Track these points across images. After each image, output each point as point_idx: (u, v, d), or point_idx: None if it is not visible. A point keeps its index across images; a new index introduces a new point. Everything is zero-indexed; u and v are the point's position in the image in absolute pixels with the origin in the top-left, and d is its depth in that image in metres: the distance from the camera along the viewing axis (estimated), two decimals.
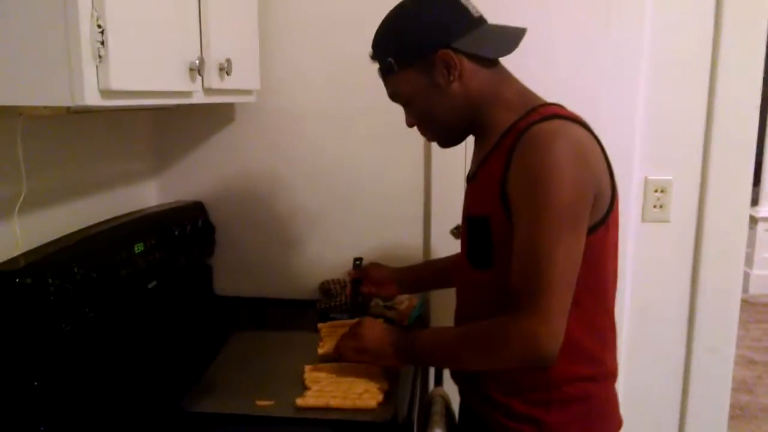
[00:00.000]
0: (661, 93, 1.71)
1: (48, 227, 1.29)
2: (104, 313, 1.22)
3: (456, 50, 1.03)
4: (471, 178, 1.16)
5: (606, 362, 1.11)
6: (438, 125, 1.13)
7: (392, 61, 1.07)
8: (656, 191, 1.75)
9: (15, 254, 1.14)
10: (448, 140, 1.16)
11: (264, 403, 1.19)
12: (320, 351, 1.36)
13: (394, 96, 1.13)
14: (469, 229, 1.12)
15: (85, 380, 1.20)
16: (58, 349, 1.12)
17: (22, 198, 1.17)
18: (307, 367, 1.29)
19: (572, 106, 1.07)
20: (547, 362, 0.97)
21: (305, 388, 1.23)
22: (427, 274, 1.49)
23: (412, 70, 1.07)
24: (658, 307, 1.80)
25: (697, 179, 1.74)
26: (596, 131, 1.03)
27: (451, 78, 1.05)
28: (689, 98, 1.71)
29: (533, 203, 0.96)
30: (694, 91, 1.70)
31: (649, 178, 1.75)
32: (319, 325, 1.48)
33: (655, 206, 1.76)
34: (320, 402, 1.16)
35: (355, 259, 1.52)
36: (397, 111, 1.16)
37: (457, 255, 1.37)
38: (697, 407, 1.83)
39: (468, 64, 1.05)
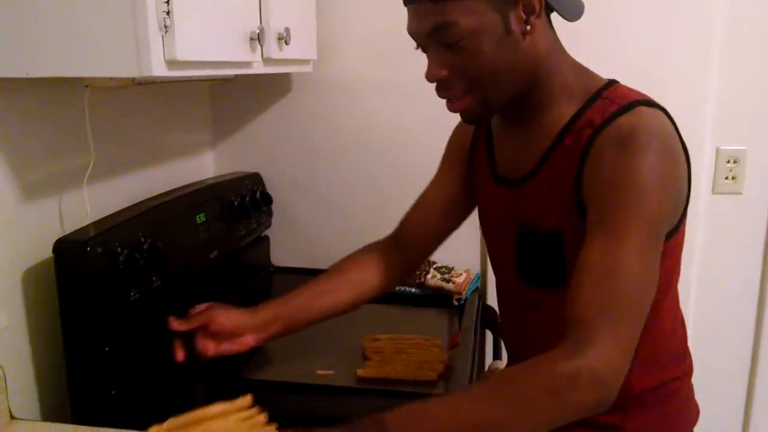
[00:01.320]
0: (735, 58, 1.61)
1: (114, 197, 1.32)
2: (169, 282, 1.24)
3: None
4: (519, 180, 0.95)
5: (684, 360, 1.03)
6: (485, 79, 0.87)
7: None
8: (728, 162, 1.67)
9: (85, 223, 1.17)
10: (486, 105, 0.90)
11: (324, 373, 1.20)
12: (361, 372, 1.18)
13: (437, 30, 0.84)
14: (524, 244, 0.95)
15: (151, 347, 1.24)
16: (126, 317, 1.15)
17: (90, 168, 1.20)
18: (367, 338, 1.29)
19: (639, 72, 0.99)
20: (610, 402, 0.74)
21: (365, 358, 1.23)
22: (293, 306, 1.10)
23: (485, 1, 0.83)
24: (727, 281, 1.74)
25: None
26: (665, 99, 0.91)
27: (527, 27, 0.85)
28: (765, 64, 1.61)
29: (616, 208, 0.80)
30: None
31: (721, 148, 1.67)
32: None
33: (726, 178, 1.68)
34: (380, 373, 1.17)
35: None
36: None
37: (335, 271, 1.17)
38: (766, 386, 1.76)
39: (543, 22, 0.87)
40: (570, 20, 0.90)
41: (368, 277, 1.14)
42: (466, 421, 0.74)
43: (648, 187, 0.80)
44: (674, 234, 0.89)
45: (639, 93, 0.90)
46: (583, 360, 0.72)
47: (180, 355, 1.01)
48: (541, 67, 0.89)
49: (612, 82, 0.92)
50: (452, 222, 1.17)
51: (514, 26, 0.85)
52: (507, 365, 1.17)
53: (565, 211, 0.87)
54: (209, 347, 1.03)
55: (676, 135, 0.87)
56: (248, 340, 1.04)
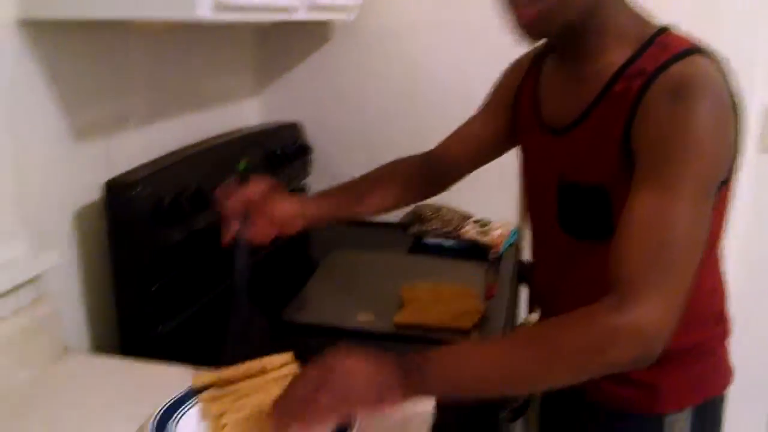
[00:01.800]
0: None
1: (160, 141, 1.35)
2: (211, 226, 1.27)
3: None
4: (564, 129, 0.93)
5: (723, 321, 1.01)
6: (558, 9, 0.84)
7: None
8: None
9: (132, 166, 1.20)
10: (546, 23, 0.85)
11: (365, 318, 1.22)
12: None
13: None
14: (568, 196, 0.93)
15: (195, 287, 1.28)
16: (172, 257, 1.19)
17: (137, 113, 1.22)
18: (405, 286, 1.31)
19: (689, 22, 0.94)
20: (652, 360, 0.74)
21: (402, 305, 1.25)
22: (352, 193, 1.17)
23: None
24: None
25: None
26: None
27: None
28: None
29: (666, 162, 0.78)
30: None
31: None
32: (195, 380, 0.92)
33: None
34: (417, 319, 1.18)
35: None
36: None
37: (384, 168, 1.21)
38: None
39: None
40: None
41: (399, 184, 1.20)
42: (503, 369, 0.75)
43: (702, 138, 0.77)
44: (722, 187, 0.86)
45: (692, 40, 0.86)
46: (626, 317, 0.72)
47: (227, 238, 1.03)
48: (600, 6, 0.86)
49: (665, 29, 0.89)
50: (487, 157, 1.20)
51: None
52: (540, 318, 1.17)
53: (611, 164, 0.85)
54: (261, 229, 1.04)
55: (729, 88, 0.83)
56: (297, 225, 1.08)
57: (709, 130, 0.78)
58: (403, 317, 1.19)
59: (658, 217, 0.76)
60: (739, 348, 1.05)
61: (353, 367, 0.75)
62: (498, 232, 1.65)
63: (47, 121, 1.07)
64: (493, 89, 1.18)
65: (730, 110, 0.82)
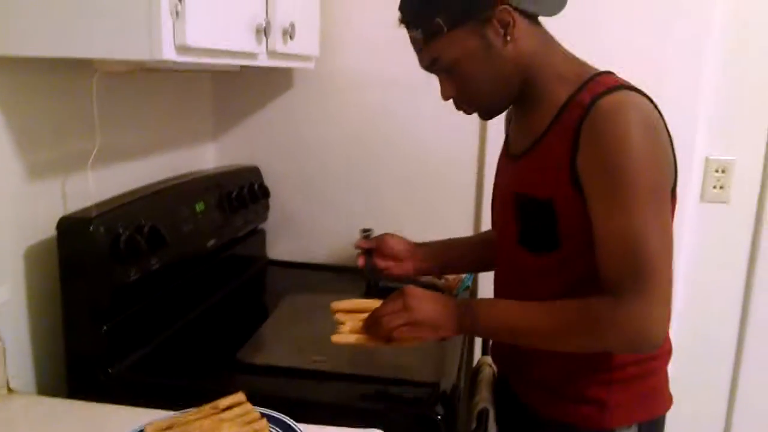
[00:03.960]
0: (728, 69, 1.66)
1: (117, 182, 1.34)
2: (168, 266, 1.27)
3: (513, 7, 0.94)
4: (521, 155, 1.05)
5: (668, 340, 1.07)
6: (482, 94, 1.01)
7: (441, 22, 0.94)
8: (717, 171, 1.71)
9: (88, 204, 1.19)
10: (491, 110, 1.05)
11: (319, 359, 1.22)
12: (336, 339, 1.07)
13: (433, 63, 1.00)
14: (522, 210, 1.03)
15: (148, 328, 1.26)
16: (126, 297, 1.17)
17: (95, 152, 1.22)
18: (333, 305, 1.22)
19: (633, 81, 1.02)
20: (654, 348, 0.92)
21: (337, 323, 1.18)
22: (453, 253, 1.33)
23: (463, 30, 0.95)
24: (711, 289, 1.77)
25: (761, 161, 1.69)
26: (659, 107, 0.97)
27: (507, 38, 0.95)
28: (757, 76, 1.66)
29: (617, 184, 0.89)
30: (763, 69, 1.65)
31: (711, 157, 1.71)
32: (333, 305, 1.13)
33: (714, 186, 1.72)
34: (354, 339, 1.12)
35: (363, 230, 1.39)
36: None
37: (485, 234, 1.35)
38: (747, 397, 1.80)
39: (522, 24, 0.96)
40: (550, 15, 1.00)
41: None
42: (529, 328, 0.97)
43: (634, 157, 0.88)
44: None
45: (628, 82, 0.97)
46: (618, 313, 0.89)
47: (361, 262, 1.28)
48: (531, 65, 0.99)
49: (607, 72, 1.00)
50: None
51: (494, 41, 0.96)
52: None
53: (558, 182, 0.95)
54: (380, 264, 1.27)
55: (659, 117, 0.94)
56: (408, 267, 1.28)
57: (641, 141, 0.89)
58: (340, 337, 1.15)
59: (624, 230, 0.89)
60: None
61: (426, 299, 1.01)
62: (453, 275, 1.67)
63: (1, 158, 1.06)
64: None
65: (660, 132, 0.93)
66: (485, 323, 1.00)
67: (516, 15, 0.95)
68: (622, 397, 1.02)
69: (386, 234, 1.30)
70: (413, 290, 1.01)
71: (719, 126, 1.69)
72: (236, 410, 0.94)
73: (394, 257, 1.27)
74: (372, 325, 1.02)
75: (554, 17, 1.00)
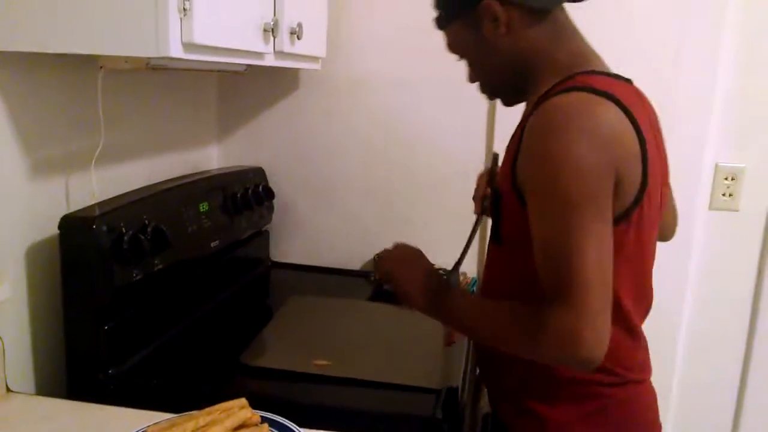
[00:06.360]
0: (740, 74, 1.64)
1: (120, 180, 1.33)
2: (171, 266, 1.25)
3: (503, 1, 0.94)
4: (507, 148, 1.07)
5: (626, 370, 0.98)
6: (493, 81, 1.04)
7: (443, 14, 1.01)
8: (726, 179, 1.69)
9: (91, 203, 1.18)
10: (507, 98, 1.07)
11: (321, 363, 1.21)
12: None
13: (450, 48, 1.05)
14: (491, 203, 1.03)
15: (150, 329, 1.25)
16: (128, 297, 1.16)
17: (99, 150, 1.21)
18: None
19: (643, 86, 1.00)
20: (589, 365, 0.83)
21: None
22: None
23: (460, 22, 0.99)
24: (720, 299, 1.75)
25: None
26: (668, 113, 0.93)
27: (499, 31, 0.95)
28: None
29: (547, 193, 0.85)
30: None
31: (720, 164, 1.69)
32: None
33: (724, 194, 1.70)
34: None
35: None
36: (461, 80, 1.11)
37: None
38: (755, 407, 1.77)
39: (518, 17, 0.95)
40: (544, 8, 0.96)
41: None
42: (477, 326, 0.96)
43: (565, 167, 0.83)
44: (619, 222, 0.88)
45: (604, 83, 0.90)
46: (549, 322, 0.83)
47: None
48: (530, 58, 0.97)
49: (599, 71, 0.94)
50: None
51: (489, 35, 0.97)
52: None
53: (505, 177, 0.95)
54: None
55: (614, 125, 0.85)
56: None
57: (574, 151, 0.82)
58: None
59: (555, 239, 0.84)
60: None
61: (408, 265, 1.05)
62: (463, 278, 1.66)
63: (4, 154, 1.05)
64: None
65: (602, 142, 0.84)
66: (447, 311, 1.00)
67: (510, 8, 0.94)
68: (562, 415, 0.97)
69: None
70: (414, 253, 1.07)
71: (730, 133, 1.67)
72: (240, 414, 0.92)
73: None
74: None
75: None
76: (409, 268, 1.04)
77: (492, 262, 1.07)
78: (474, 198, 1.26)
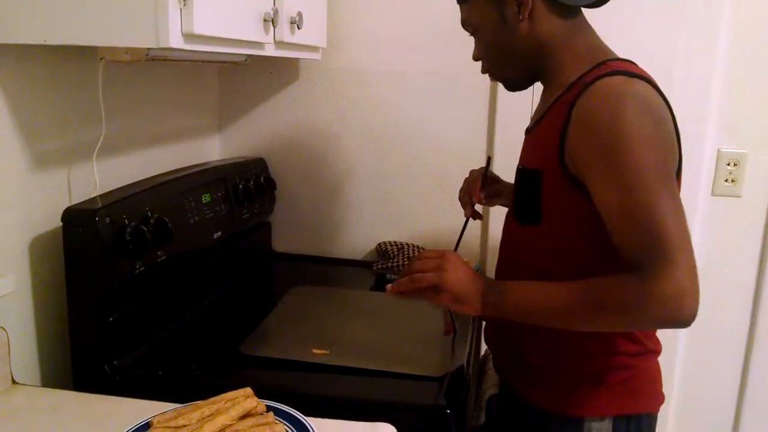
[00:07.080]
0: (741, 60, 1.64)
1: (121, 172, 1.33)
2: (174, 258, 1.26)
3: None
4: (529, 131, 1.12)
5: (648, 340, 1.05)
6: (501, 63, 1.08)
7: None
8: (729, 164, 1.69)
9: (93, 195, 1.18)
10: (511, 82, 1.11)
11: (320, 352, 1.21)
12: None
13: (464, 23, 1.08)
14: (520, 182, 1.07)
15: (154, 320, 1.25)
16: (131, 289, 1.16)
17: (101, 141, 1.21)
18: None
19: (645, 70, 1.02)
20: (691, 321, 0.86)
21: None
22: None
23: (486, 1, 1.03)
24: (722, 285, 1.75)
25: None
26: (669, 97, 0.96)
27: (521, 17, 1.00)
28: None
29: (613, 164, 0.88)
30: None
31: (722, 150, 1.69)
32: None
33: (726, 180, 1.70)
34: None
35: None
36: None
37: None
38: (758, 392, 1.78)
39: (542, 7, 1.00)
40: (573, 5, 1.02)
41: None
42: (560, 308, 0.92)
43: (633, 138, 0.87)
44: None
45: (640, 70, 0.97)
46: (649, 288, 0.84)
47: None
48: (546, 46, 1.02)
49: (624, 59, 1.00)
50: None
51: (510, 18, 1.01)
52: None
53: (548, 155, 0.97)
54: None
55: (661, 104, 0.93)
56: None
57: (639, 122, 0.88)
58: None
59: (636, 208, 0.86)
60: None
61: (461, 269, 0.99)
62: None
63: (6, 148, 1.05)
64: None
65: (658, 119, 0.91)
66: (513, 301, 0.97)
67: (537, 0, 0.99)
68: (593, 389, 1.02)
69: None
70: (453, 255, 1.01)
71: (731, 118, 1.67)
72: (245, 403, 0.92)
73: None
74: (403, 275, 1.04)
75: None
76: (457, 270, 0.99)
77: (516, 242, 1.09)
78: (462, 202, 1.30)
